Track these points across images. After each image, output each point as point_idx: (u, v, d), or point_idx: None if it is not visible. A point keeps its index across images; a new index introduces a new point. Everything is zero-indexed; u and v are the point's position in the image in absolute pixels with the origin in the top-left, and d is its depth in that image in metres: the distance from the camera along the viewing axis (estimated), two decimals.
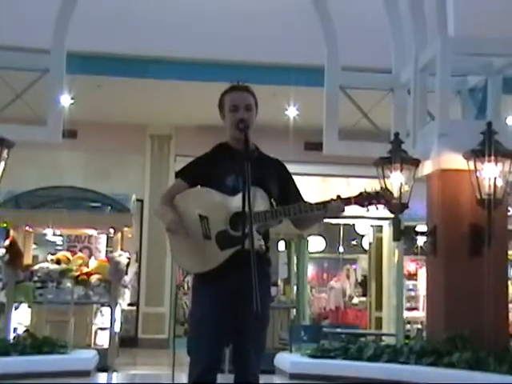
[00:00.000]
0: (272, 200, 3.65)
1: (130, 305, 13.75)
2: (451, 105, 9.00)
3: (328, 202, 3.56)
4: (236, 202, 3.49)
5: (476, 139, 8.18)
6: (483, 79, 9.70)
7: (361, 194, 3.58)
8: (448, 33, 8.85)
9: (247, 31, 10.45)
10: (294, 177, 3.85)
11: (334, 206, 3.55)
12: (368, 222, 15.03)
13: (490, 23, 9.31)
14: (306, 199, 3.74)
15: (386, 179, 8.57)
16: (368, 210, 3.61)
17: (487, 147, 8.10)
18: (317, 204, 3.56)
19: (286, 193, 3.73)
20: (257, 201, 3.46)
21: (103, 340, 10.49)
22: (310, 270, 17.03)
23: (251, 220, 3.30)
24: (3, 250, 10.57)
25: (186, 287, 15.24)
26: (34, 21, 9.76)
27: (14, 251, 10.38)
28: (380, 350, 8.66)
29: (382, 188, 3.66)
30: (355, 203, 3.57)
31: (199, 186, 3.67)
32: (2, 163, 8.50)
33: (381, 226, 14.85)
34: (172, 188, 3.77)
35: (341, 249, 17.63)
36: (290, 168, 3.88)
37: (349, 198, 3.58)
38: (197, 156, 3.79)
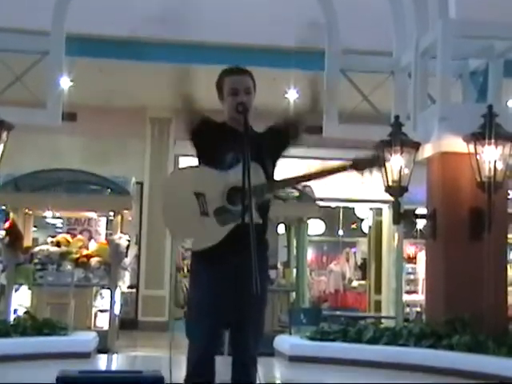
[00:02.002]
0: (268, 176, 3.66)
1: (129, 287, 13.78)
2: (452, 88, 8.98)
3: (324, 171, 3.65)
4: (231, 176, 3.50)
5: (477, 122, 8.17)
6: (484, 63, 9.67)
7: (355, 160, 3.62)
8: (449, 16, 8.82)
9: (247, 14, 10.41)
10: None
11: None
12: (368, 206, 15.05)
13: (491, 6, 9.26)
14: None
15: (386, 162, 8.57)
16: (363, 175, 3.63)
17: (488, 130, 8.10)
18: (313, 173, 3.65)
19: (279, 133, 3.75)
20: (253, 174, 3.42)
21: (103, 322, 10.53)
22: (310, 254, 17.03)
23: (250, 195, 3.32)
24: (3, 233, 10.58)
25: (185, 270, 15.28)
26: (34, 2, 9.71)
27: (13, 234, 10.40)
28: (379, 333, 8.71)
29: (373, 155, 3.68)
30: (350, 168, 3.62)
31: (191, 165, 3.69)
32: (2, 146, 8.50)
33: (380, 210, 14.86)
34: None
35: (340, 232, 17.64)
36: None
37: (344, 167, 3.63)
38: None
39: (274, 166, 3.72)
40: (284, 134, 3.75)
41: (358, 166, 3.62)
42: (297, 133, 3.75)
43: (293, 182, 3.70)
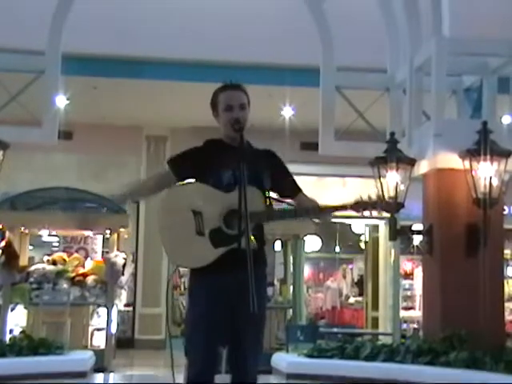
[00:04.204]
0: (266, 194, 3.66)
1: (126, 305, 13.75)
2: (447, 104, 9.02)
3: (324, 208, 3.64)
4: (230, 199, 3.49)
5: (471, 139, 8.19)
6: (478, 79, 9.72)
7: (357, 202, 3.60)
8: (443, 33, 8.87)
9: (242, 32, 10.45)
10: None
11: (329, 213, 3.69)
12: (364, 222, 15.04)
13: (485, 23, 9.32)
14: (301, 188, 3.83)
15: (381, 179, 8.59)
16: (362, 215, 3.65)
17: (483, 146, 8.11)
18: (313, 209, 3.67)
19: (279, 183, 3.76)
20: (252, 200, 3.44)
21: (100, 341, 10.48)
22: (307, 270, 17.00)
23: (247, 222, 3.31)
24: None
25: (182, 288, 15.25)
26: (30, 22, 9.74)
27: (9, 253, 10.36)
28: (376, 350, 8.67)
29: (378, 197, 3.67)
30: (351, 208, 3.61)
31: (192, 180, 3.68)
32: None
33: (377, 226, 14.87)
34: (157, 175, 3.83)
35: (337, 248, 17.62)
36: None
37: (344, 206, 3.61)
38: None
39: (273, 179, 3.72)
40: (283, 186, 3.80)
41: (359, 207, 3.61)
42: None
43: (291, 214, 3.67)
